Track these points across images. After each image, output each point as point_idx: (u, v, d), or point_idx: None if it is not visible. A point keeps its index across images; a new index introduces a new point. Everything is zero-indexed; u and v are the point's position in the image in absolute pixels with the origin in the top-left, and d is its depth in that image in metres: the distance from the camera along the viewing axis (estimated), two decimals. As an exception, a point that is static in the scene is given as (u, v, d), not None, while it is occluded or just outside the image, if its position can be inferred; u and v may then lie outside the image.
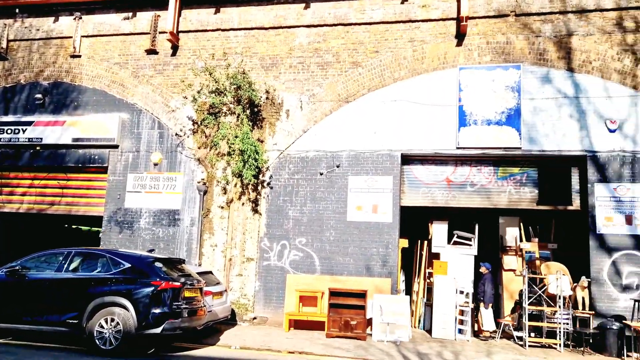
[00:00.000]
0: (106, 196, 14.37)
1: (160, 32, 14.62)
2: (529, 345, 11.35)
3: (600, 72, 11.99)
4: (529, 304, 11.65)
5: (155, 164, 14.17)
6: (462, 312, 12.30)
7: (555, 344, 11.44)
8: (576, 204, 12.25)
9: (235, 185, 13.62)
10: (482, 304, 12.45)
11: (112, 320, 8.91)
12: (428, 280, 13.69)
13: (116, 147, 14.44)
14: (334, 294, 11.94)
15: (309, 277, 12.90)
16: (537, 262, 13.12)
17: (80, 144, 14.50)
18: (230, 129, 13.34)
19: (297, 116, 13.56)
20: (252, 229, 13.44)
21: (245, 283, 13.23)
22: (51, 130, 14.61)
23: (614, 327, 10.86)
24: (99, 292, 9.09)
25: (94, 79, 14.92)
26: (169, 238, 13.80)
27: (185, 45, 14.53)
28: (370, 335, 11.81)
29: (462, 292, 12.45)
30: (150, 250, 11.73)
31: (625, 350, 10.73)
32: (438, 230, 13.58)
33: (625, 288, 11.36)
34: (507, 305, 13.28)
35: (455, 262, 13.18)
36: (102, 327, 8.93)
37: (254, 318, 12.96)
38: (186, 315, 9.28)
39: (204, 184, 13.80)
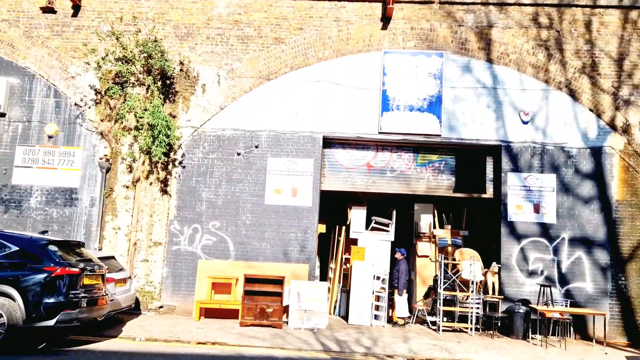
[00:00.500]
0: (-11, 171, 12.58)
1: (59, -11, 12.99)
2: (443, 330, 11.52)
3: (517, 65, 12.36)
4: (443, 290, 11.82)
5: (50, 137, 12.62)
6: (378, 298, 12.24)
7: (467, 328, 11.72)
8: (490, 192, 12.60)
9: (143, 163, 12.49)
10: (396, 291, 12.45)
11: (-6, 312, 7.68)
12: (344, 266, 13.51)
13: (2, 115, 12.67)
14: (249, 280, 11.35)
15: (223, 262, 12.17)
16: (449, 248, 13.39)
17: (-43, 110, 12.56)
18: (139, 102, 12.15)
19: (214, 91, 12.67)
20: (160, 211, 12.41)
21: (152, 269, 12.22)
22: None
23: (521, 311, 11.30)
24: (-22, 279, 7.79)
25: (-25, 36, 12.96)
26: (64, 219, 12.37)
27: (88, 5, 13.02)
28: (287, 323, 11.37)
29: (378, 278, 12.38)
30: (43, 232, 10.37)
31: (530, 333, 11.21)
32: (357, 216, 13.40)
33: (532, 273, 11.87)
34: (420, 290, 13.45)
35: (372, 248, 13.08)
36: (-19, 320, 7.66)
37: (161, 307, 12.01)
38: (85, 305, 8.25)
39: (107, 160, 12.51)
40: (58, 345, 8.60)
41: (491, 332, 11.44)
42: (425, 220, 14.00)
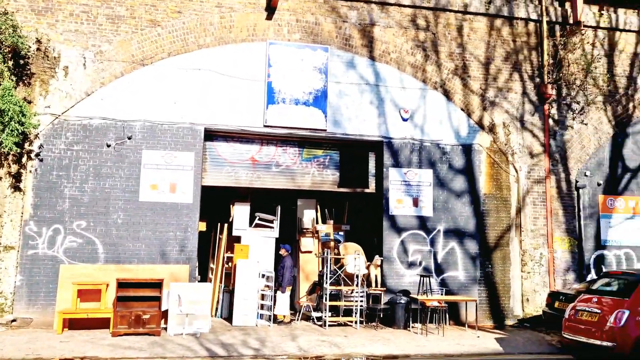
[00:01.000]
0: None
1: None
2: (329, 325, 11.48)
3: (397, 63, 12.74)
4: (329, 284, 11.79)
5: None
6: (262, 297, 11.85)
7: (351, 322, 11.81)
8: (372, 186, 12.85)
9: (-10, 154, 10.72)
10: (280, 288, 12.14)
11: None
12: (227, 266, 12.89)
13: None
14: (122, 285, 10.27)
15: (90, 267, 10.88)
16: (332, 243, 13.43)
17: None
18: (-15, 83, 10.38)
19: (78, 75, 11.28)
20: (12, 210, 10.74)
21: (2, 278, 10.52)
22: None
23: (402, 302, 11.67)
24: None
25: None
26: None
27: None
28: (166, 329, 10.50)
29: (263, 276, 11.98)
30: None
31: (410, 322, 11.62)
32: (240, 212, 12.87)
33: (411, 264, 12.34)
34: (303, 287, 13.32)
35: (256, 246, 12.65)
36: None
37: (13, 320, 10.39)
38: None
39: (-58, 151, 10.52)
40: None
41: (374, 324, 11.65)
42: (308, 216, 13.92)
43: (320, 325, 11.61)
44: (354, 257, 11.98)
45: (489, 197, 12.82)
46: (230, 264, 12.76)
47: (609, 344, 7.76)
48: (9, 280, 10.54)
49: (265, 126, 11.96)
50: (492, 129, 13.01)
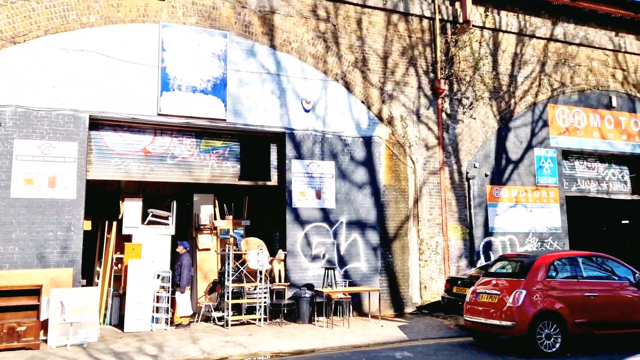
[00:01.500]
0: None
1: None
2: (231, 325, 10.93)
3: (298, 53, 12.48)
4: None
5: None
6: (158, 299, 10.99)
7: (255, 320, 11.35)
8: (275, 179, 12.47)
9: None
10: (178, 288, 11.36)
11: None
12: (116, 268, 11.79)
13: None
14: (-9, 294, 8.91)
15: (-51, 275, 9.32)
16: (231, 239, 12.87)
17: None
18: None
19: None
20: None
21: None
22: None
23: (307, 296, 11.44)
24: None
25: None
26: None
27: None
28: (46, 341, 9.29)
29: (159, 277, 11.11)
30: None
31: (315, 316, 11.44)
32: (131, 209, 11.82)
33: (315, 257, 12.16)
34: (202, 286, 12.61)
35: (151, 244, 11.71)
36: None
37: None
38: None
39: None
40: None
41: (279, 320, 11.31)
42: (206, 212, 13.23)
43: (222, 326, 11.02)
44: (256, 253, 11.53)
45: (389, 189, 13.04)
46: (120, 265, 11.68)
47: (509, 323, 8.12)
48: None
49: (159, 115, 11.08)
50: (390, 122, 13.24)
